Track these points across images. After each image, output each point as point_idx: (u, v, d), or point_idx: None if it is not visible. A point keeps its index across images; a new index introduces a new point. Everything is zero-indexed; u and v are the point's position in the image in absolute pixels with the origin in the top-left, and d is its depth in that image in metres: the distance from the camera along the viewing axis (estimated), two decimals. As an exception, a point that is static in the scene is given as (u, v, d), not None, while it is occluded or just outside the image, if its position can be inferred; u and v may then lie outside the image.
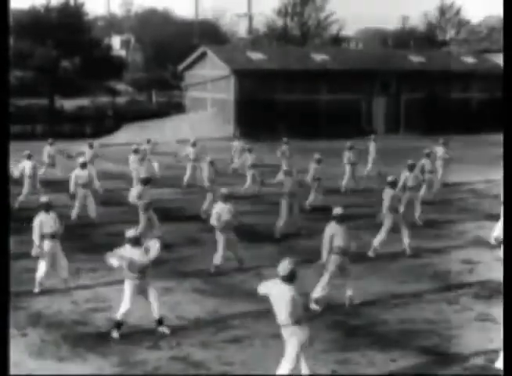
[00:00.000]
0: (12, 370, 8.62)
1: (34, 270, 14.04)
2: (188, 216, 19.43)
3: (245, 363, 9.66)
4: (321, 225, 17.81)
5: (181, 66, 48.41)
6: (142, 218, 16.46)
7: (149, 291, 10.83)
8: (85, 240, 16.52)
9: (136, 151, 23.54)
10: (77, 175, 18.63)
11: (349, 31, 74.08)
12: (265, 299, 12.26)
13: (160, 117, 43.97)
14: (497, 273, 13.15)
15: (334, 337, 10.58)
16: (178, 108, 47.71)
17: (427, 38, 66.91)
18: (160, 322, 10.87)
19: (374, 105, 44.41)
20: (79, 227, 17.82)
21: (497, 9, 62.14)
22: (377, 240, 15.21)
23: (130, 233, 10.81)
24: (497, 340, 10.02)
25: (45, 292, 12.75)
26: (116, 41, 71.64)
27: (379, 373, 9.38)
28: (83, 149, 25.39)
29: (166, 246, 15.31)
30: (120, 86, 56.68)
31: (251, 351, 10.11)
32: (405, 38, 66.53)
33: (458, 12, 68.61)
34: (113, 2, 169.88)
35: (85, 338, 10.53)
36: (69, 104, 45.52)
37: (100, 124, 42.59)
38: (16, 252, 14.40)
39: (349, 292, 12.18)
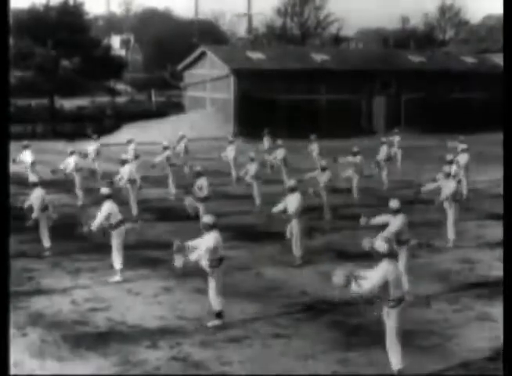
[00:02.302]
0: (12, 370, 8.61)
1: (33, 270, 14.08)
2: (187, 215, 19.40)
3: (244, 363, 9.65)
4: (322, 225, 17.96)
5: (180, 66, 48.40)
6: (201, 207, 17.01)
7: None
8: (85, 239, 16.45)
9: (166, 148, 23.90)
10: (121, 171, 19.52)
11: (349, 31, 74.16)
12: (263, 299, 12.30)
13: (159, 116, 43.98)
14: (497, 273, 13.16)
15: (334, 337, 10.57)
16: (177, 108, 47.73)
17: (426, 38, 66.92)
18: (218, 315, 11.03)
19: (374, 105, 44.40)
20: (78, 227, 17.78)
21: (497, 9, 62.12)
22: (451, 231, 15.80)
23: (208, 219, 11.15)
24: (497, 339, 10.03)
25: (44, 292, 12.74)
26: (115, 41, 71.64)
27: (379, 373, 9.37)
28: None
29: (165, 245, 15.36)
30: (120, 86, 56.70)
31: (251, 351, 10.10)
32: (405, 38, 66.53)
33: (458, 12, 68.62)
34: (112, 2, 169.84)
35: (85, 338, 10.52)
36: (69, 104, 45.53)
37: (100, 123, 42.60)
38: (16, 252, 14.44)
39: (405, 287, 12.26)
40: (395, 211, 12.33)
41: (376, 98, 44.34)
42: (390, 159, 24.24)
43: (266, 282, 13.41)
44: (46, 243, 15.22)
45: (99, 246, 14.89)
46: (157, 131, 37.70)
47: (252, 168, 20.54)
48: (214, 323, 10.94)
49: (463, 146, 24.31)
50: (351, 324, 11.01)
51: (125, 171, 19.31)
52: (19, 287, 12.67)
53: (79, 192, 21.20)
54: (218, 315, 11.03)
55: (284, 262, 14.60)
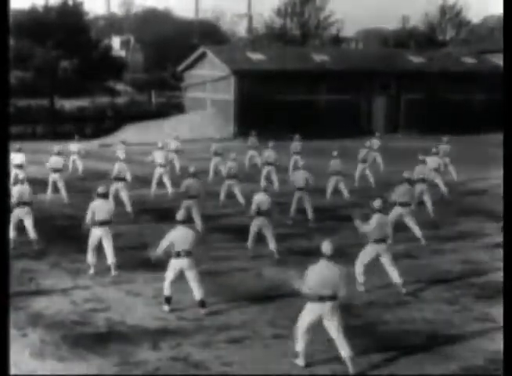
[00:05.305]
0: (12, 370, 8.62)
1: (33, 270, 14.08)
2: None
3: (245, 364, 9.66)
4: (323, 225, 17.96)
5: (180, 67, 48.41)
6: (183, 205, 17.09)
7: (189, 272, 11.53)
8: (85, 240, 16.45)
9: (162, 148, 24.34)
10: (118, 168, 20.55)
11: (349, 31, 74.10)
12: (263, 299, 12.30)
13: (159, 117, 43.97)
14: (497, 273, 13.17)
15: (334, 337, 10.56)
16: (177, 108, 47.70)
17: (427, 39, 66.84)
18: (202, 304, 11.49)
19: (374, 105, 44.40)
20: (78, 227, 17.78)
21: (497, 9, 62.15)
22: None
23: (179, 215, 11.81)
24: (497, 340, 10.03)
25: (44, 292, 12.74)
26: (116, 42, 71.57)
27: (379, 373, 9.38)
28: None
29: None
30: (120, 86, 56.64)
31: (251, 351, 10.11)
32: (405, 38, 66.45)
33: (459, 12, 68.55)
34: (113, 2, 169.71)
35: (85, 338, 10.52)
36: (69, 105, 45.52)
37: (100, 124, 42.59)
38: (16, 252, 14.45)
39: (395, 280, 12.65)
40: (374, 211, 12.84)
41: (376, 98, 44.35)
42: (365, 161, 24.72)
43: (266, 282, 13.42)
44: (31, 235, 15.59)
45: (98, 246, 14.86)
46: (157, 132, 37.71)
47: (230, 166, 20.87)
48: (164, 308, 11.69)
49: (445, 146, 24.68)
50: (351, 325, 10.99)
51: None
52: (19, 288, 12.67)
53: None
54: (168, 300, 11.67)
55: (283, 263, 14.61)
